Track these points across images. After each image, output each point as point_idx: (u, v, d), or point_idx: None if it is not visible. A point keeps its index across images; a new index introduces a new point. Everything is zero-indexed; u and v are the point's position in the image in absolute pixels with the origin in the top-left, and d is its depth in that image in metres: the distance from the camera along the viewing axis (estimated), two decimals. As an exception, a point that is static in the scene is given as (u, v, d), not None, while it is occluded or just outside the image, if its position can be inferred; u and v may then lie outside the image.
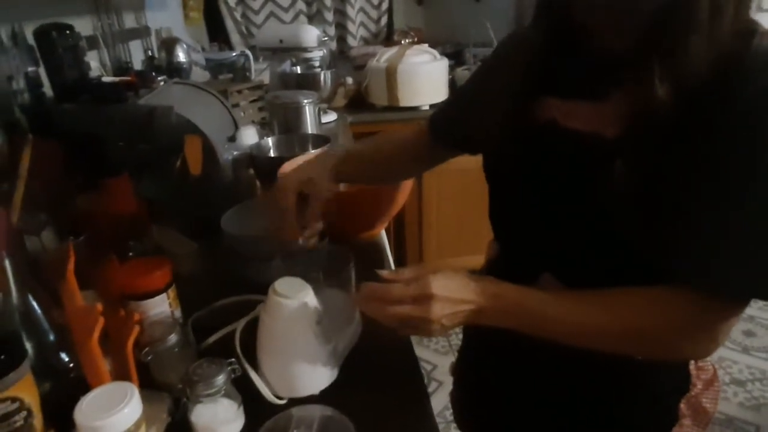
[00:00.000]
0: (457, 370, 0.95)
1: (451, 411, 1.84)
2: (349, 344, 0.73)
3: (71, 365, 0.65)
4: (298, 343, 0.63)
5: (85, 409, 0.47)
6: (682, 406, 0.66)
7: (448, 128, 0.80)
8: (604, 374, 0.65)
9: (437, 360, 2.06)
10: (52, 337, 0.65)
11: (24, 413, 0.55)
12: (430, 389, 1.92)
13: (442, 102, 0.84)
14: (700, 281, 0.50)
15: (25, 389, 0.55)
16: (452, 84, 2.28)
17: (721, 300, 0.51)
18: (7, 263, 0.61)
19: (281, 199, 0.81)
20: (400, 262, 2.28)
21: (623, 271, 0.56)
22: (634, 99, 0.49)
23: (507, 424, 0.78)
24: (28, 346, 0.64)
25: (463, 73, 2.31)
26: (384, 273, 0.60)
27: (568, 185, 0.60)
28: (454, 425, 1.75)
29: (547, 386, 0.70)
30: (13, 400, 0.54)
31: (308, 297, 0.64)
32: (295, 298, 0.63)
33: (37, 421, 0.57)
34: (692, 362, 0.65)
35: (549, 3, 0.58)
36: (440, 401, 1.86)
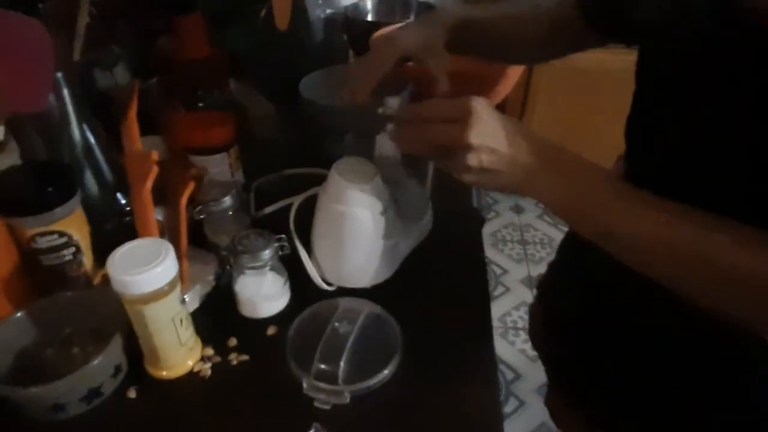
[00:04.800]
0: (543, 286, 0.84)
1: (511, 318, 1.82)
2: (414, 242, 0.66)
3: (128, 208, 0.64)
4: (356, 232, 0.57)
5: (117, 261, 0.44)
6: None
7: (608, 4, 0.59)
8: (720, 343, 0.51)
9: (510, 266, 2.00)
10: (110, 177, 0.63)
11: (72, 248, 0.54)
12: (496, 293, 1.89)
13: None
14: None
15: (74, 225, 0.54)
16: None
17: None
18: (65, 92, 0.57)
19: (378, 59, 0.63)
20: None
21: None
22: None
23: (587, 360, 0.68)
24: (90, 181, 0.63)
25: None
26: None
27: (758, 114, 0.41)
28: (512, 331, 1.74)
29: (643, 334, 0.58)
30: (61, 234, 0.52)
31: (374, 182, 0.56)
32: (359, 182, 0.56)
33: (87, 257, 0.56)
34: None
35: None
36: (503, 306, 1.83)
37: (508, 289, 1.90)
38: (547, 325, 0.78)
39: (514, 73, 0.92)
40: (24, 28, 0.45)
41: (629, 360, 0.60)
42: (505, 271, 1.97)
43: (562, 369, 0.74)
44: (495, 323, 1.79)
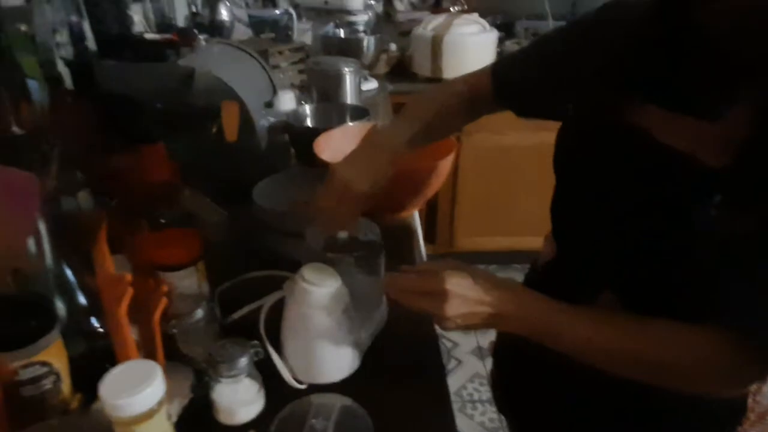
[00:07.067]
0: (496, 351, 0.91)
1: (467, 391, 1.85)
2: (375, 331, 0.72)
3: (101, 331, 0.66)
4: (323, 331, 0.63)
5: (108, 385, 0.47)
6: None
7: (521, 94, 0.71)
8: (655, 388, 0.61)
9: (459, 338, 2.06)
10: (83, 301, 0.65)
11: (53, 377, 0.56)
12: (449, 367, 1.93)
13: (514, 58, 0.73)
14: (748, 330, 0.48)
15: (55, 354, 0.56)
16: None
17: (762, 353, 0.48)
18: (41, 227, 0.61)
19: (348, 212, 0.72)
20: (429, 238, 2.26)
21: (684, 303, 0.52)
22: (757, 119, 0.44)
23: (546, 412, 0.75)
24: (61, 308, 0.65)
25: (513, 47, 2.21)
26: (404, 267, 0.60)
27: (649, 204, 0.54)
28: (470, 404, 1.77)
29: (590, 384, 0.66)
30: (43, 364, 0.55)
31: (336, 285, 0.63)
32: (322, 285, 0.62)
33: (65, 385, 0.58)
34: (751, 394, 0.62)
35: None
36: (458, 380, 1.87)
37: (460, 362, 1.95)
38: (508, 388, 0.85)
39: (445, 168, 1.05)
40: (14, 179, 0.50)
41: (585, 408, 0.68)
42: (455, 344, 2.04)
43: (528, 426, 0.81)
44: (452, 398, 1.82)
